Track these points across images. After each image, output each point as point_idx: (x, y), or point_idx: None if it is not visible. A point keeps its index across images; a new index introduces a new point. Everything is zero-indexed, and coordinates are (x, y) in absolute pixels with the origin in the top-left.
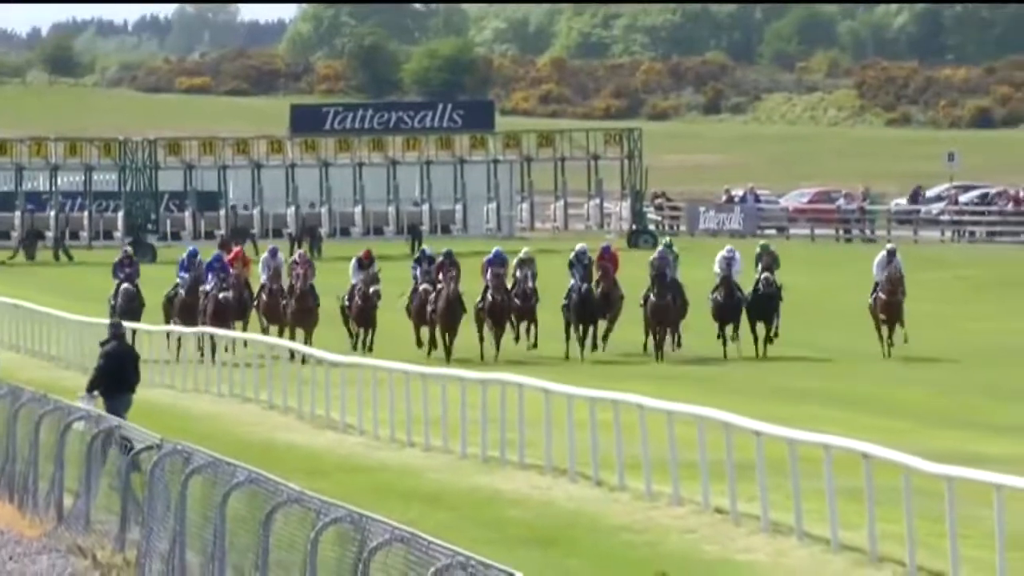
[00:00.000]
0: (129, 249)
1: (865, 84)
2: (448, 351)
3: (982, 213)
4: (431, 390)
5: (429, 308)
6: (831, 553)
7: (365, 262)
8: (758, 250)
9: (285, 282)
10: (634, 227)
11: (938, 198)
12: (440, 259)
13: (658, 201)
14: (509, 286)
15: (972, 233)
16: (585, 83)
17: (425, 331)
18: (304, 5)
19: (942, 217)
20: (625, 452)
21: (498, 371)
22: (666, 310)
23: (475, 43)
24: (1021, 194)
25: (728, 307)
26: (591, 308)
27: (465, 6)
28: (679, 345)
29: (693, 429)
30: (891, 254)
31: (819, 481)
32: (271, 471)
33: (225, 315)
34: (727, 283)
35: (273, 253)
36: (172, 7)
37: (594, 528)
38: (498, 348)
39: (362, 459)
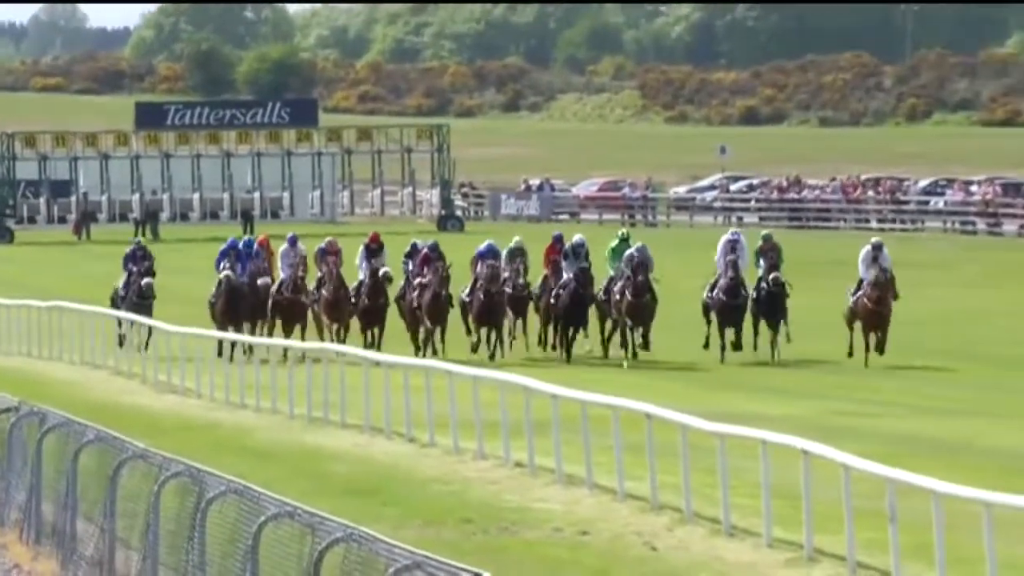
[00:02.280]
0: (142, 240)
1: (647, 86)
2: (435, 347)
3: (750, 200)
4: (261, 358)
5: (413, 304)
6: (618, 502)
7: (373, 247)
8: (760, 242)
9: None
10: (443, 212)
11: (711, 187)
12: (424, 250)
13: (464, 189)
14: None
15: (741, 218)
16: (399, 84)
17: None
18: (148, 11)
19: (715, 204)
20: (435, 413)
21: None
22: (643, 309)
23: (300, 48)
24: (784, 183)
25: (731, 308)
26: (582, 310)
27: (292, 14)
28: (647, 347)
29: (496, 393)
30: (877, 249)
31: (608, 438)
32: (118, 431)
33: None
34: (732, 279)
35: (292, 242)
36: (28, 15)
37: (407, 480)
38: (491, 347)
39: (200, 419)
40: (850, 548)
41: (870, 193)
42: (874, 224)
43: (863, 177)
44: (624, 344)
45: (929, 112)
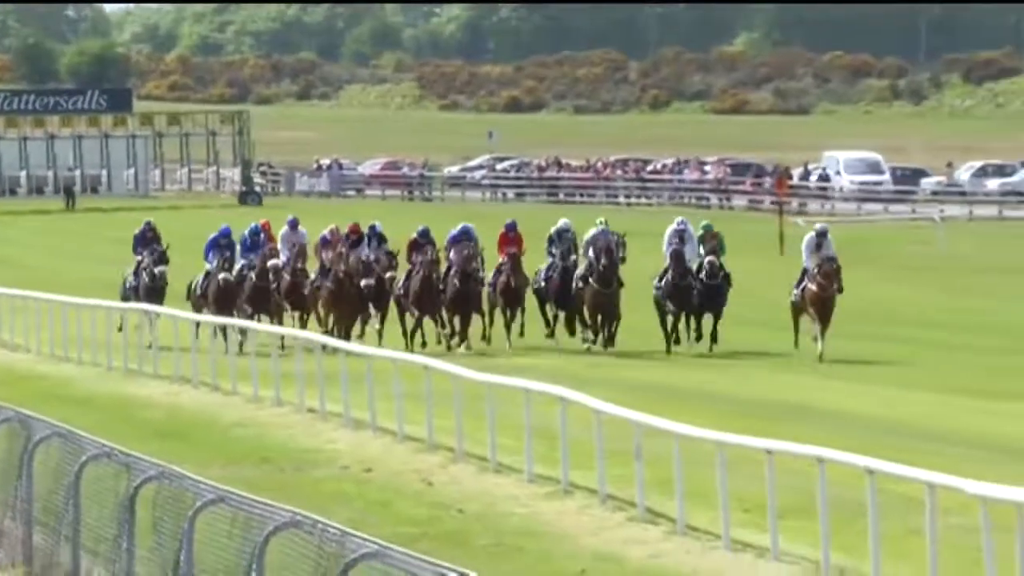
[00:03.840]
0: (152, 221)
1: (423, 78)
2: (423, 338)
3: (514, 178)
4: (83, 316)
5: (399, 292)
6: (398, 443)
7: (354, 238)
8: (700, 231)
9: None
10: (243, 189)
11: (480, 167)
12: (414, 237)
13: (263, 168)
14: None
15: (505, 194)
16: (204, 75)
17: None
18: None
19: (483, 182)
20: (237, 365)
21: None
22: (610, 299)
23: (116, 43)
24: (543, 163)
25: (680, 291)
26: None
27: (108, 13)
28: (613, 343)
29: (293, 347)
30: (821, 235)
31: (389, 388)
32: None
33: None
34: (679, 263)
35: (293, 225)
36: None
37: (212, 424)
38: (462, 336)
39: (28, 371)
40: (601, 482)
41: (619, 172)
42: (622, 199)
43: (612, 158)
44: (592, 331)
45: (669, 102)
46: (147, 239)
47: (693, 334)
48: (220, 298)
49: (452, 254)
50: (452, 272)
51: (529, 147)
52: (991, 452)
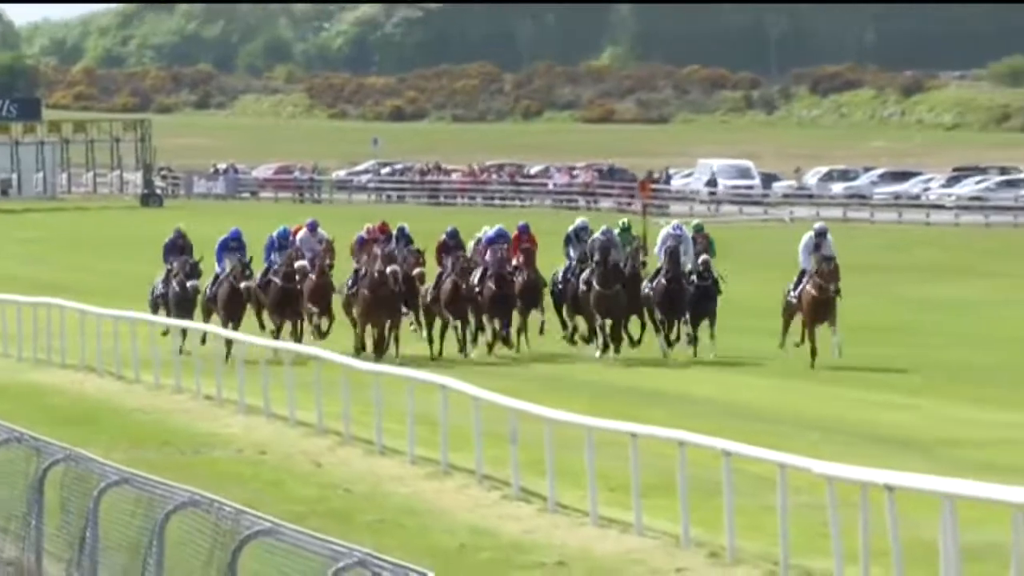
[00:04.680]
0: (182, 227)
1: (313, 88)
2: (462, 343)
3: (397, 182)
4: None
5: (430, 296)
6: (290, 427)
7: (381, 238)
8: (691, 232)
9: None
10: (145, 191)
11: (366, 171)
12: (443, 238)
13: (163, 172)
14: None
15: (390, 196)
16: (108, 86)
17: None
18: None
19: (369, 185)
20: (140, 354)
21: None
22: (614, 300)
23: (25, 55)
24: (425, 168)
25: (670, 294)
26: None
27: (18, 27)
28: (617, 349)
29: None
30: (820, 235)
31: (282, 377)
32: None
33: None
34: (674, 266)
35: (312, 228)
36: None
37: (116, 410)
38: (508, 341)
39: None
40: (478, 463)
41: (494, 176)
42: (497, 202)
43: (489, 163)
44: (591, 336)
45: (540, 111)
46: (178, 247)
47: (685, 338)
48: (229, 304)
49: (487, 256)
50: (488, 274)
51: (411, 153)
52: (841, 435)
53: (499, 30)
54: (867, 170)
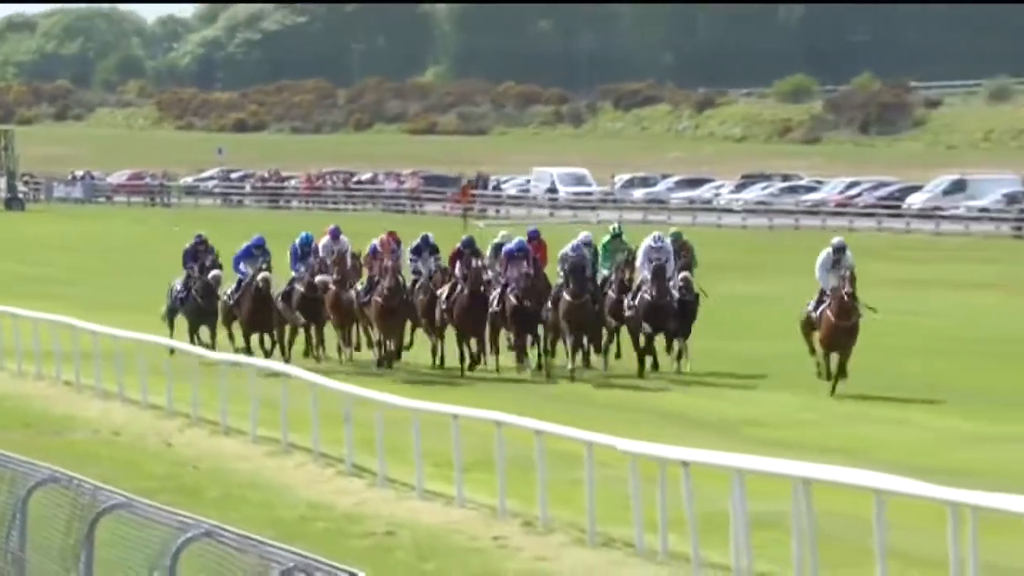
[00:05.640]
0: (204, 234)
1: (163, 102)
2: (474, 357)
3: (240, 187)
4: None
5: (442, 308)
6: (142, 410)
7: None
8: (669, 238)
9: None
10: (8, 196)
11: (211, 177)
12: (458, 247)
13: (25, 178)
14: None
15: (234, 200)
16: None
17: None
18: None
19: (215, 190)
20: (4, 344)
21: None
22: (583, 310)
23: None
24: (266, 175)
25: (657, 311)
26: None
27: None
28: (590, 362)
29: (50, 330)
30: (838, 251)
31: (136, 364)
32: None
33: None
34: (661, 280)
35: (335, 234)
36: None
37: None
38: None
39: None
40: (315, 443)
41: (329, 182)
42: (330, 205)
43: (324, 171)
44: (570, 354)
45: (371, 124)
46: (198, 252)
47: (672, 354)
48: (253, 311)
49: (508, 270)
50: (509, 289)
51: (253, 161)
52: (644, 415)
53: (333, 50)
54: (665, 177)
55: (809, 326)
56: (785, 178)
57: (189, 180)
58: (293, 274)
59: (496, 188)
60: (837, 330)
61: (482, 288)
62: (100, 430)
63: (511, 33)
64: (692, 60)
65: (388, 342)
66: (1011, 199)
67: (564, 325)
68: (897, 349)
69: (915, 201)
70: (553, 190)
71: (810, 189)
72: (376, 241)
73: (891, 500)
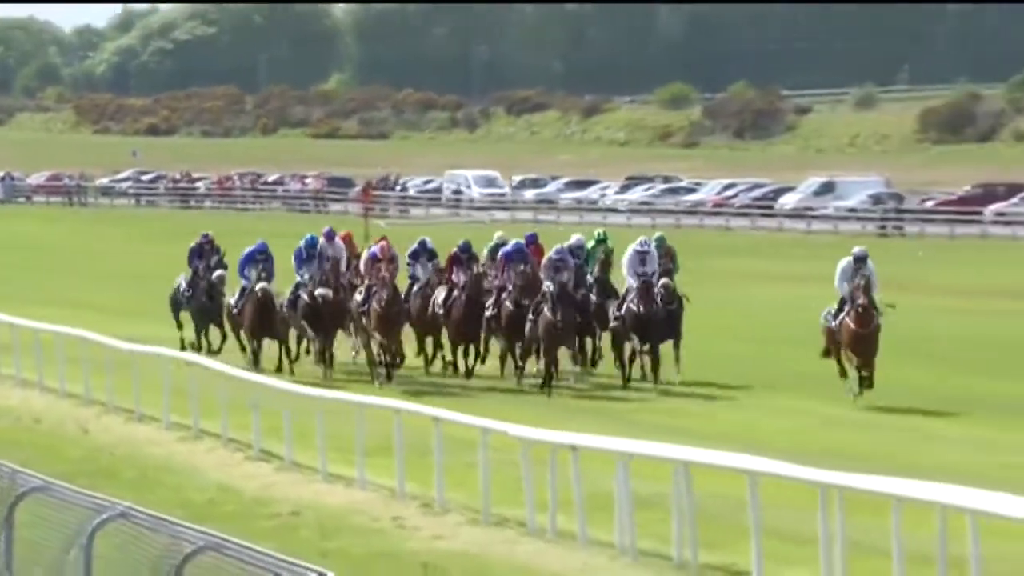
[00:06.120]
0: (210, 233)
1: (80, 108)
2: (467, 366)
3: (153, 188)
4: None
5: (439, 310)
6: (60, 398)
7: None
8: (654, 242)
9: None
10: None
11: (127, 179)
12: (455, 251)
13: None
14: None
15: (147, 201)
16: None
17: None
18: None
19: (129, 191)
20: None
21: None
22: (565, 334)
23: None
24: (177, 176)
25: (643, 322)
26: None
27: None
28: (568, 372)
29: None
30: (859, 260)
31: (55, 355)
32: None
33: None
34: (647, 288)
35: (329, 237)
36: None
37: None
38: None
39: None
40: (224, 429)
41: (237, 183)
42: (239, 205)
43: (233, 172)
44: (544, 372)
45: (277, 128)
46: (203, 251)
47: (649, 366)
48: (256, 319)
49: (505, 273)
50: (505, 295)
51: (165, 164)
52: (541, 407)
53: (241, 59)
54: (554, 179)
55: (832, 341)
56: (666, 180)
57: (105, 181)
58: (298, 279)
59: (402, 188)
60: (858, 337)
61: (482, 298)
62: (21, 417)
63: (410, 42)
64: (579, 69)
65: (386, 355)
66: (876, 200)
67: (542, 343)
68: (778, 341)
69: (787, 202)
70: (459, 192)
71: (690, 190)
72: (376, 248)
73: (764, 481)
